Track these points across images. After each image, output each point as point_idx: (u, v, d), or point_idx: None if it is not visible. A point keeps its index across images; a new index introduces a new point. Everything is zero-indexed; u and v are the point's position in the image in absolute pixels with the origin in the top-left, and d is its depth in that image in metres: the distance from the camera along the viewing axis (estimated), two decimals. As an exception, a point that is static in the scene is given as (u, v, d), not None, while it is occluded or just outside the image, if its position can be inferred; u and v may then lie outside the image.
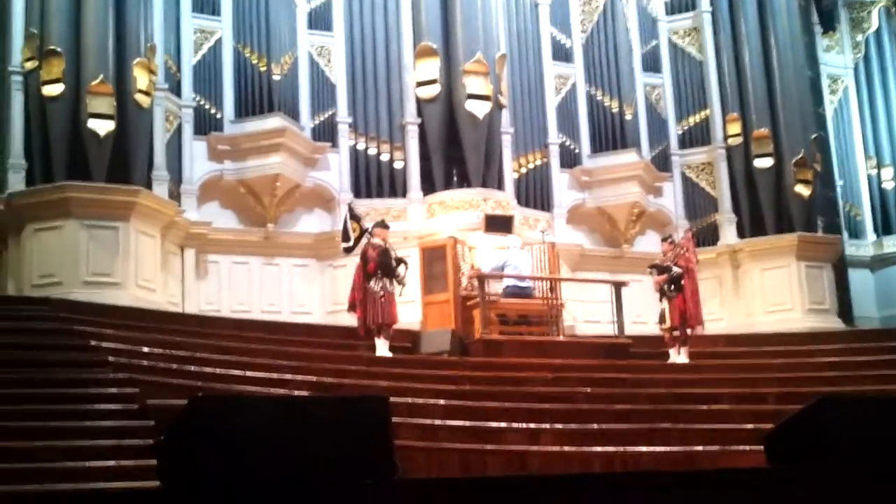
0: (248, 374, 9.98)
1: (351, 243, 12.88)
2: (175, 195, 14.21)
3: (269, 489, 4.44)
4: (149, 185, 13.51)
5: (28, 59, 13.28)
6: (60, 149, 12.95)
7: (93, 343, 10.02)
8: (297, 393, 9.48)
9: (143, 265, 13.07)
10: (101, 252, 12.75)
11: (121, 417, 8.24)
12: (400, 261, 12.56)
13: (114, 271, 12.75)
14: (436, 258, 14.12)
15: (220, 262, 14.66)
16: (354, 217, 12.98)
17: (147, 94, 13.37)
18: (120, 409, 8.42)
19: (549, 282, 14.05)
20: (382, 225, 12.89)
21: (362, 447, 4.71)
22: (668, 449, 9.28)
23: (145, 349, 10.18)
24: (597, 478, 6.53)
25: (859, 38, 20.44)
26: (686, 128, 17.84)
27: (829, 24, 20.42)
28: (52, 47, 13.03)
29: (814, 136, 17.53)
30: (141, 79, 13.27)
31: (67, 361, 9.44)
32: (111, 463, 7.34)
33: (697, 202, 17.53)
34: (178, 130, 14.56)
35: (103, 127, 12.93)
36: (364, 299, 12.26)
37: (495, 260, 13.77)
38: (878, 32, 20.32)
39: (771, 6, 17.55)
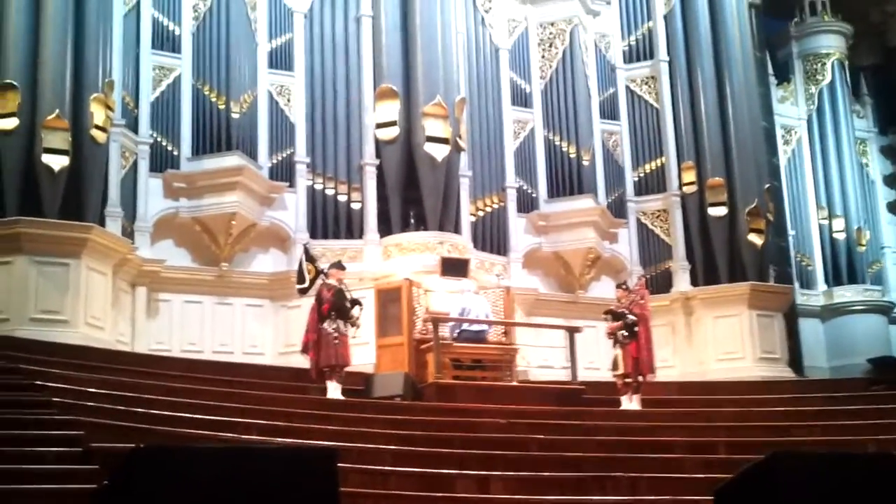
0: (197, 416, 9.81)
1: (306, 284, 12.80)
2: (129, 232, 14.06)
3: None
4: (102, 222, 13.36)
5: (-18, 92, 13.14)
6: (13, 183, 12.78)
7: (38, 382, 9.82)
8: (245, 437, 9.35)
9: (93, 303, 12.89)
10: (51, 289, 12.57)
11: (64, 461, 8.05)
12: (355, 302, 12.48)
13: (63, 308, 12.57)
14: (391, 300, 14.08)
15: (172, 300, 14.50)
16: (310, 258, 12.89)
17: (103, 129, 13.26)
18: (63, 451, 8.23)
19: (503, 326, 14.03)
20: (338, 266, 12.82)
21: (309, 501, 4.65)
22: (619, 498, 9.25)
23: (92, 390, 9.99)
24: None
25: (813, 90, 20.80)
26: (642, 175, 18.00)
27: (784, 76, 20.80)
28: (7, 80, 12.90)
29: (767, 185, 17.78)
30: (98, 114, 13.17)
31: (10, 401, 9.23)
32: (52, 507, 7.17)
33: (652, 249, 17.66)
34: (134, 167, 14.44)
35: (58, 162, 12.80)
36: (318, 341, 12.17)
37: (455, 307, 13.73)
38: (831, 85, 20.70)
39: (727, 57, 17.82)
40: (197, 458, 4.69)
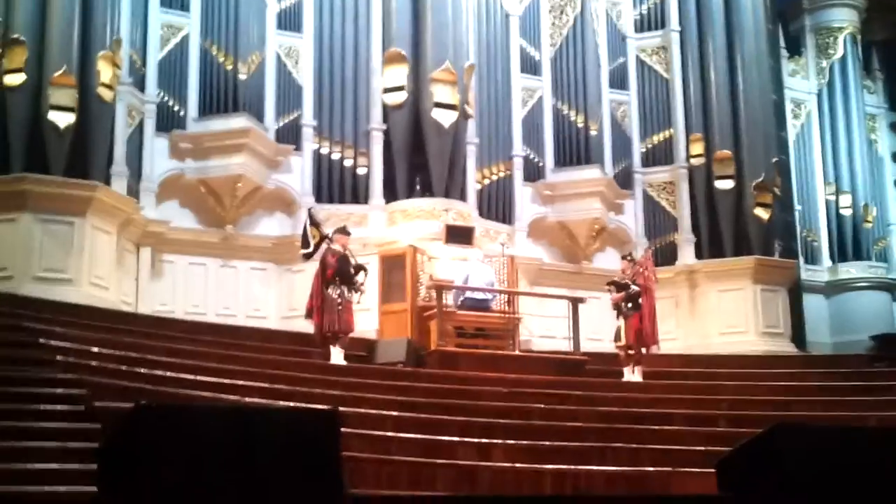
0: (199, 378, 9.83)
1: (310, 249, 12.75)
2: (134, 192, 14.03)
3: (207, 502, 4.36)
4: (107, 181, 13.32)
5: (-11, 48, 13.08)
6: (19, 139, 12.76)
7: (41, 341, 9.83)
8: (247, 399, 9.36)
9: (97, 262, 12.88)
10: (55, 247, 12.56)
11: (67, 419, 8.07)
12: (360, 268, 12.47)
13: (67, 267, 12.56)
14: (395, 267, 14.06)
15: (176, 262, 14.49)
16: (314, 223, 12.84)
17: (110, 87, 13.20)
18: (66, 410, 8.25)
19: (507, 295, 14.02)
20: (343, 231, 12.78)
21: (310, 463, 4.65)
22: (619, 468, 9.26)
23: (95, 349, 10.00)
24: (546, 500, 6.50)
25: (824, 63, 20.62)
26: (650, 146, 17.91)
27: (795, 49, 20.62)
28: (15, 36, 12.83)
29: (775, 159, 17.68)
30: (105, 72, 13.10)
31: (14, 358, 9.25)
32: (54, 465, 7.19)
33: (657, 221, 17.59)
34: (140, 126, 14.38)
35: (64, 119, 12.75)
36: (321, 306, 12.16)
37: (459, 274, 13.71)
38: (843, 59, 20.50)
39: (739, 28, 17.68)
40: (199, 417, 4.69)
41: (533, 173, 16.91)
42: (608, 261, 16.93)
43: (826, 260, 19.72)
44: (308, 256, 12.90)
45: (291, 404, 9.38)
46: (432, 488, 8.20)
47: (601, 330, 15.07)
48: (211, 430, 4.54)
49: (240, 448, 4.54)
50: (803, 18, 20.90)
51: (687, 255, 17.19)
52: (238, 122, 14.55)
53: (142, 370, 9.67)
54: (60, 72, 12.78)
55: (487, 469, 8.82)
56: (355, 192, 15.43)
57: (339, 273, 12.23)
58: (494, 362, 12.95)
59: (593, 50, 17.45)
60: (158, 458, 4.38)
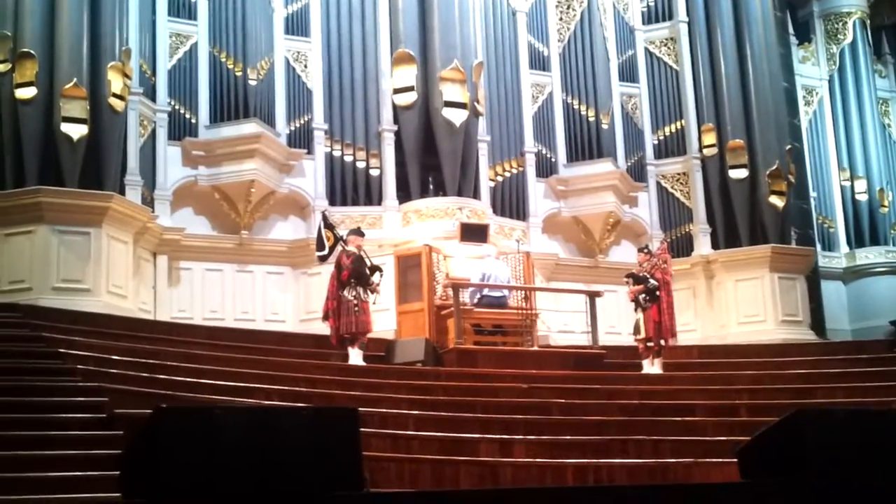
0: (219, 382, 9.88)
1: (325, 252, 12.82)
2: (148, 201, 14.09)
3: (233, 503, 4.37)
4: (122, 191, 13.38)
5: (1, 62, 13.12)
6: (33, 153, 12.80)
7: (62, 350, 9.90)
8: (267, 402, 9.39)
9: (114, 271, 12.94)
10: (73, 258, 12.62)
11: (88, 427, 8.12)
12: (375, 268, 12.49)
13: (85, 277, 12.62)
14: (411, 266, 14.06)
15: (192, 268, 14.54)
16: (328, 225, 12.91)
17: (121, 98, 13.25)
18: (88, 418, 8.30)
19: (523, 291, 14.02)
20: (357, 232, 12.82)
21: (331, 460, 4.65)
22: (641, 461, 9.25)
23: (115, 357, 10.06)
24: (569, 491, 6.49)
25: (834, 49, 20.54)
26: (662, 138, 17.87)
27: (804, 36, 20.55)
28: (25, 49, 12.89)
29: (788, 147, 17.62)
30: (115, 82, 13.15)
31: (35, 369, 9.32)
32: (77, 473, 7.23)
33: (672, 212, 17.56)
34: (153, 135, 14.44)
35: (76, 131, 12.80)
36: (338, 308, 12.18)
37: (476, 272, 13.71)
38: (853, 44, 20.43)
39: (747, 17, 17.62)
40: (219, 419, 4.69)
41: (546, 169, 16.89)
42: (624, 254, 16.90)
43: (843, 246, 19.65)
44: (323, 259, 12.95)
45: (312, 406, 9.40)
46: (455, 485, 8.22)
47: (619, 323, 15.08)
48: (231, 432, 4.54)
49: (261, 449, 4.54)
50: (811, 5, 20.83)
51: (703, 245, 17.15)
52: (249, 127, 14.59)
53: (162, 376, 9.72)
54: (71, 84, 12.84)
55: (510, 465, 8.83)
56: (369, 193, 15.45)
57: (355, 274, 12.25)
58: (513, 359, 12.96)
59: (601, 43, 17.43)
60: (180, 461, 4.39)
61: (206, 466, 4.38)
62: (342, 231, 13.01)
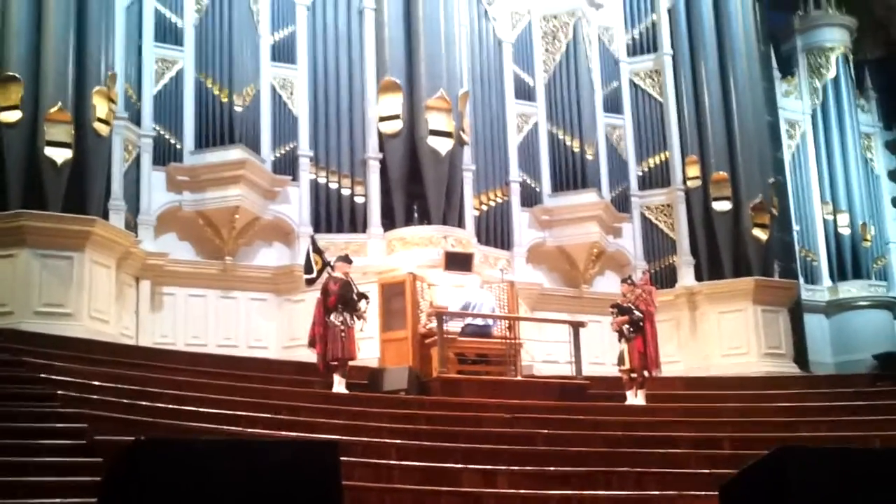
0: (202, 409, 9.80)
1: (314, 275, 12.81)
2: (132, 225, 14.03)
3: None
4: (105, 215, 13.32)
5: (-15, 85, 13.09)
6: (16, 176, 12.75)
7: (42, 376, 9.81)
8: (250, 431, 9.32)
9: (96, 296, 12.86)
10: (55, 282, 12.54)
11: (68, 454, 8.04)
12: (362, 295, 12.48)
13: (67, 302, 12.54)
14: (395, 294, 14.02)
15: (176, 294, 14.47)
16: (317, 250, 12.94)
17: (106, 122, 13.22)
18: (67, 444, 8.22)
19: (507, 321, 14.00)
20: (345, 259, 12.83)
21: (311, 494, 4.62)
22: (624, 493, 9.21)
23: (96, 383, 9.97)
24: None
25: (817, 84, 20.70)
26: (646, 169, 17.94)
27: (788, 70, 20.70)
28: (10, 73, 12.86)
29: (772, 180, 17.72)
30: (100, 107, 13.12)
31: (15, 394, 9.23)
32: (56, 500, 7.15)
33: (656, 244, 17.60)
34: (137, 160, 14.40)
35: (60, 155, 12.76)
36: (325, 334, 12.15)
37: (460, 301, 13.70)
38: (836, 79, 20.59)
39: (731, 50, 17.76)
40: (199, 451, 4.65)
41: (530, 198, 16.92)
42: (608, 284, 16.92)
43: (826, 279, 19.70)
44: (311, 282, 12.94)
45: (294, 434, 9.34)
46: (437, 516, 8.16)
47: (603, 354, 15.04)
48: (211, 464, 4.51)
49: (241, 482, 4.51)
50: (795, 39, 20.99)
51: (686, 277, 17.19)
52: (234, 153, 14.56)
53: (143, 403, 9.64)
54: (56, 108, 12.81)
55: (492, 496, 8.78)
56: (353, 221, 15.43)
57: (342, 300, 12.22)
58: (497, 388, 12.91)
59: (587, 74, 17.52)
60: (159, 493, 4.35)
61: (185, 497, 4.33)
62: (329, 257, 13.00)
